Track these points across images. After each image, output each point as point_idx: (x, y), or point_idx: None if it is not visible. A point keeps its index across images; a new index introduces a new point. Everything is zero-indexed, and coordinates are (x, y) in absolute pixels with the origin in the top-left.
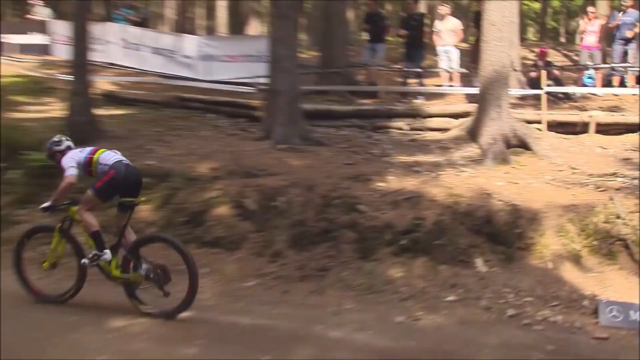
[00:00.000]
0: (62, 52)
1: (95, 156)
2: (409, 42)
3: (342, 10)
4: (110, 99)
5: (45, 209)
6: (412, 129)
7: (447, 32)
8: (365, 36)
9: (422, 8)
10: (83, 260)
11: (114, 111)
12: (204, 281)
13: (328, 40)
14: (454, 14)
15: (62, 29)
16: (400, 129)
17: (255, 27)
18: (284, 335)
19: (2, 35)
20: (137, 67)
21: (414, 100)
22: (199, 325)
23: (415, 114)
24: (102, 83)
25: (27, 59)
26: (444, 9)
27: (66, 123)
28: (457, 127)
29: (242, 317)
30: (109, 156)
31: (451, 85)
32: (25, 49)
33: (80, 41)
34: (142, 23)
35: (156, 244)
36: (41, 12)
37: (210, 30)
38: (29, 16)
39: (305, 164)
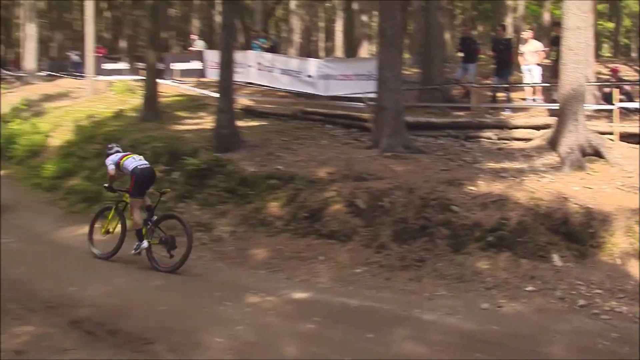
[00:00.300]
0: (213, 74)
1: (122, 161)
2: (498, 62)
3: (440, 34)
4: (249, 112)
5: (106, 189)
6: (499, 139)
7: (530, 53)
8: (459, 56)
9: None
10: (132, 252)
11: (251, 123)
12: (321, 267)
13: (427, 60)
14: (536, 37)
15: (213, 56)
16: (490, 138)
17: (366, 48)
18: (386, 317)
19: (170, 63)
20: (269, 86)
21: (502, 113)
22: (317, 305)
23: (503, 126)
24: (243, 99)
25: (186, 81)
26: (527, 34)
27: (214, 134)
28: (539, 137)
29: (351, 299)
30: (130, 163)
31: (534, 99)
32: (185, 73)
33: (226, 67)
34: (273, 49)
35: (172, 220)
36: (198, 44)
37: (329, 51)
38: (190, 48)
39: (407, 170)
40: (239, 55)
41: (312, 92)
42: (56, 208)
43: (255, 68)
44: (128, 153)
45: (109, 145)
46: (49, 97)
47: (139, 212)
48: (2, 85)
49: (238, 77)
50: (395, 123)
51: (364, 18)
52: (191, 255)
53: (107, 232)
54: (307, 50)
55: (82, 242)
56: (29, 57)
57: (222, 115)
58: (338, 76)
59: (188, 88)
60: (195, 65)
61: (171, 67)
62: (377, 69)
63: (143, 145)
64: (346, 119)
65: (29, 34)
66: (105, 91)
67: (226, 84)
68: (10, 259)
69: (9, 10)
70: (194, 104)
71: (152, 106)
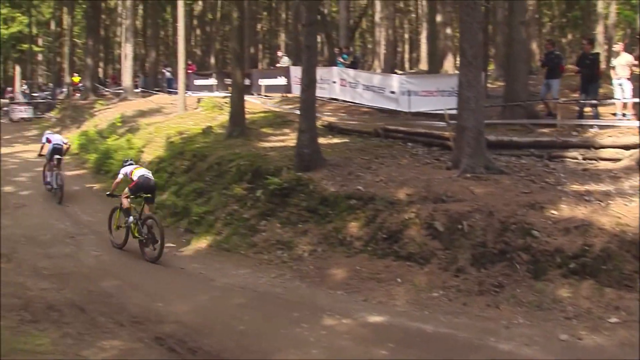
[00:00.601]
0: (298, 90)
1: (133, 171)
2: (584, 77)
3: (523, 49)
4: (331, 129)
5: (108, 195)
6: (585, 159)
7: (621, 67)
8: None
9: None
10: (123, 224)
11: (333, 140)
12: (398, 289)
13: (511, 76)
14: (629, 45)
15: (297, 72)
16: (575, 158)
17: (451, 61)
18: (461, 345)
19: (258, 79)
20: (353, 102)
21: (590, 130)
22: (392, 329)
23: (589, 145)
24: (326, 116)
25: (271, 97)
26: (618, 46)
27: (296, 153)
28: (628, 157)
29: (427, 324)
30: (139, 173)
31: (624, 114)
32: (270, 89)
33: (308, 87)
34: (355, 65)
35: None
36: (284, 61)
37: (414, 63)
38: (277, 65)
39: (487, 192)
40: (323, 71)
41: (395, 109)
42: None
43: (339, 84)
44: (139, 165)
45: (125, 159)
46: (143, 113)
47: (127, 200)
48: (100, 102)
49: (322, 93)
50: (475, 143)
51: (448, 31)
52: (272, 274)
53: (118, 227)
54: (392, 63)
55: (169, 257)
56: (126, 74)
57: (304, 135)
58: (421, 92)
59: (273, 105)
60: (281, 81)
61: (259, 83)
62: (458, 87)
63: (229, 163)
64: (427, 137)
65: (126, 52)
66: (196, 107)
67: (307, 105)
68: (102, 272)
69: (109, 29)
70: (279, 121)
71: (238, 123)
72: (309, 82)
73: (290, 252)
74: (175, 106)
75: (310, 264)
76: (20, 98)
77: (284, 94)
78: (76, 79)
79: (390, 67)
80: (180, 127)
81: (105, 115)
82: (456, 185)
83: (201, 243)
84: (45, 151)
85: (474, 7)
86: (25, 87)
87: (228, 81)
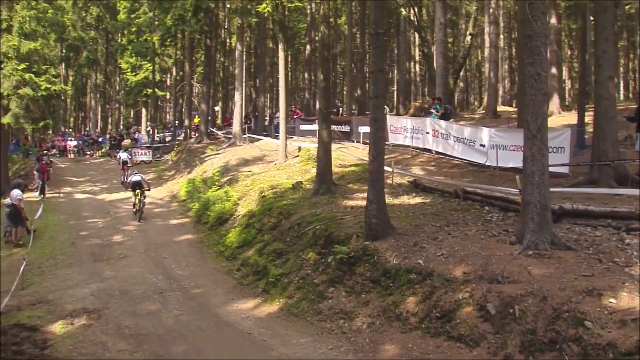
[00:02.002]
0: (393, 139)
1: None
2: None
3: (612, 106)
4: (416, 185)
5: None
6: None
7: None
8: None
9: None
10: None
11: (414, 199)
12: None
13: (599, 133)
14: None
15: (392, 121)
16: None
17: (555, 102)
18: None
19: (358, 126)
20: (444, 153)
21: None
22: None
23: None
24: (415, 169)
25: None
26: None
27: (365, 222)
28: None
29: None
30: (134, 177)
31: None
32: (365, 136)
33: (375, 158)
34: (445, 116)
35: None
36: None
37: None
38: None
39: (545, 273)
40: (417, 122)
41: (483, 162)
42: (230, 278)
43: (432, 135)
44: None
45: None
46: (245, 162)
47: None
48: (211, 147)
49: (416, 143)
50: (539, 218)
51: (553, 70)
52: (329, 345)
53: (134, 205)
54: (494, 107)
55: (242, 318)
56: (235, 121)
57: (372, 205)
58: (509, 147)
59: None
60: None
61: (359, 130)
62: (523, 161)
63: (307, 225)
64: (504, 202)
65: (235, 100)
66: (296, 154)
67: (376, 176)
68: (176, 335)
69: (227, 70)
70: (366, 176)
71: (324, 180)
72: (376, 154)
73: (351, 322)
74: (277, 153)
75: (367, 336)
76: (145, 138)
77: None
78: (196, 119)
79: (492, 110)
80: (273, 181)
81: (213, 161)
82: (514, 264)
83: (274, 305)
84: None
85: (537, 78)
86: (149, 128)
87: (332, 127)
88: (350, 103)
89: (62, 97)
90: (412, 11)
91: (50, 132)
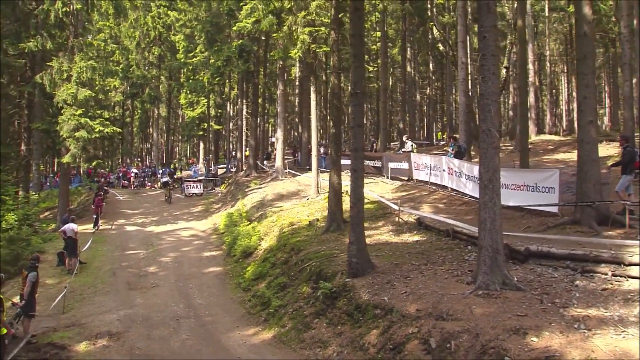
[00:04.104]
0: (417, 175)
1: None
2: None
3: (594, 150)
4: (420, 223)
5: (166, 201)
6: (614, 276)
7: None
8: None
9: None
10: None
11: (412, 237)
12: None
13: (581, 176)
14: None
15: (416, 158)
16: (605, 274)
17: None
18: None
19: (388, 162)
20: (458, 190)
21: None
22: None
23: (619, 261)
24: (425, 207)
25: (393, 181)
26: None
27: (347, 261)
28: None
29: None
30: (164, 179)
31: None
32: (395, 172)
33: (355, 204)
34: (461, 154)
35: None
36: (407, 145)
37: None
38: (403, 150)
39: (486, 312)
40: (435, 159)
41: None
42: (241, 308)
43: (447, 172)
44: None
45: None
46: (281, 197)
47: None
48: (255, 181)
49: (435, 180)
50: (491, 262)
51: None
52: None
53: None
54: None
55: (239, 344)
56: (278, 156)
57: (352, 246)
58: (510, 185)
59: (391, 190)
60: (405, 165)
61: (389, 166)
62: (478, 209)
63: (308, 262)
64: None
65: (277, 136)
66: (327, 190)
67: (356, 220)
68: (176, 356)
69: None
70: (379, 213)
71: (335, 218)
72: (356, 200)
73: (325, 350)
74: (310, 188)
75: None
76: (203, 170)
77: (407, 180)
78: (247, 153)
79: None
80: (295, 217)
81: (253, 196)
82: (462, 303)
83: (270, 333)
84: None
85: (489, 133)
86: (205, 160)
87: (365, 162)
88: (385, 138)
89: (118, 136)
90: (448, 47)
91: (106, 169)
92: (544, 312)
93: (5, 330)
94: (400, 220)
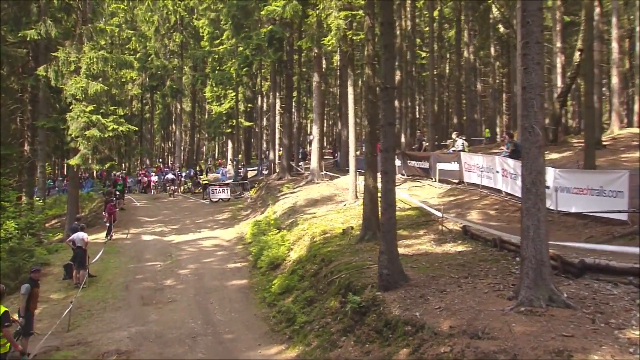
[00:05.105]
0: (468, 177)
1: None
2: None
3: None
4: (465, 232)
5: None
6: None
7: None
8: None
9: None
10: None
11: (455, 247)
12: None
13: None
14: None
15: (468, 159)
16: None
17: None
18: None
19: (436, 163)
20: (511, 193)
21: None
22: None
23: None
24: (473, 213)
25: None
26: None
27: (378, 273)
28: None
29: None
30: (169, 176)
31: None
32: (444, 174)
33: (385, 210)
34: (518, 153)
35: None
36: (458, 144)
37: None
38: (452, 149)
39: (527, 331)
40: (487, 160)
41: (548, 206)
42: (265, 325)
43: (501, 174)
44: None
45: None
46: (314, 202)
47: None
48: (287, 185)
49: (488, 182)
50: (534, 274)
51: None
52: None
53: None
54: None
55: None
56: (313, 156)
57: (383, 257)
58: (572, 189)
59: (437, 195)
60: (454, 166)
61: (437, 167)
62: (520, 216)
63: (336, 274)
64: None
65: (314, 135)
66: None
67: (387, 227)
68: None
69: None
70: (420, 220)
71: (370, 226)
72: (387, 206)
73: None
74: (347, 193)
75: None
76: (231, 172)
77: (457, 182)
78: (281, 153)
79: (595, 141)
80: (328, 225)
81: (284, 201)
82: (500, 321)
83: (294, 352)
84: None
85: (532, 131)
86: (234, 161)
87: (412, 163)
88: (433, 134)
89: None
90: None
91: (122, 171)
92: (594, 333)
93: (8, 347)
94: (443, 228)
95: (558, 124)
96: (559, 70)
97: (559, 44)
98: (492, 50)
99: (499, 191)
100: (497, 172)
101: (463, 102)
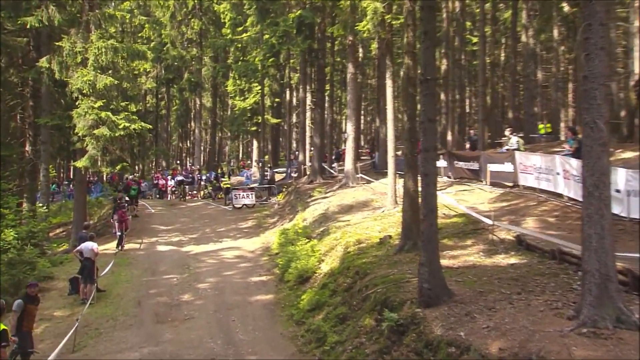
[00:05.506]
0: (524, 180)
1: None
2: None
3: None
4: (520, 242)
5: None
6: None
7: None
8: None
9: None
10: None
11: (507, 259)
12: None
13: None
14: None
15: (524, 159)
16: None
17: None
18: None
19: (486, 163)
20: (574, 198)
21: None
22: None
23: None
24: (528, 221)
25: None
26: None
27: (418, 287)
28: None
29: None
30: (179, 177)
31: None
32: (496, 176)
33: (426, 216)
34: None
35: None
36: (512, 142)
37: None
38: (506, 148)
39: (590, 356)
40: (546, 160)
41: (618, 213)
42: (292, 345)
43: (562, 176)
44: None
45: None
46: (349, 209)
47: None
48: (319, 189)
49: (546, 186)
50: (599, 291)
51: None
52: None
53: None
54: None
55: None
56: (348, 157)
57: (423, 269)
58: None
59: (490, 199)
60: (507, 167)
61: (488, 168)
62: (581, 223)
63: (371, 289)
64: None
65: (348, 132)
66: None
67: (428, 237)
68: None
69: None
70: (468, 229)
71: (410, 235)
72: (427, 212)
73: None
74: (384, 198)
75: None
76: (256, 175)
77: (511, 186)
78: (312, 153)
79: None
80: (363, 234)
81: (315, 207)
82: (558, 343)
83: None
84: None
85: (594, 126)
86: (260, 163)
87: (459, 164)
88: (483, 131)
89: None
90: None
91: (136, 174)
92: None
93: None
94: (494, 237)
95: (633, 117)
96: (636, 54)
97: (637, 23)
98: (555, 32)
99: (560, 195)
100: (558, 173)
101: (520, 93)
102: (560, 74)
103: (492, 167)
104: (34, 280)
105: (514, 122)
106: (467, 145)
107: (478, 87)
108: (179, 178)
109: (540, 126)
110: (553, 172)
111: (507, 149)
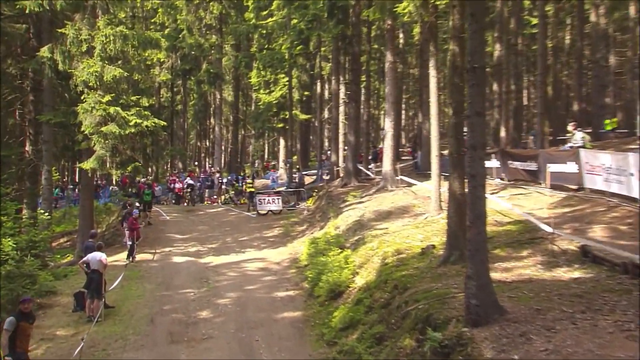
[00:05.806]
0: (591, 183)
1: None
2: None
3: None
4: (585, 254)
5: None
6: None
7: None
8: None
9: None
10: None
11: (570, 273)
12: None
13: None
14: None
15: (590, 158)
16: None
17: None
18: None
19: (546, 163)
20: None
21: None
22: None
23: None
24: (596, 229)
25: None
26: None
27: (464, 303)
28: None
29: None
30: (189, 181)
31: None
32: (557, 177)
33: (474, 222)
34: None
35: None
36: (577, 138)
37: None
38: (570, 145)
39: None
40: (617, 158)
41: None
42: None
43: (637, 177)
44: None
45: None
46: (387, 215)
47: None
48: (353, 193)
49: (618, 189)
50: None
51: None
52: None
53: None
54: None
55: None
56: (386, 157)
57: (470, 283)
58: None
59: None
60: (571, 167)
61: (548, 169)
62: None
63: (412, 305)
64: None
65: (387, 130)
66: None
67: (475, 246)
68: None
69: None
70: (524, 237)
71: (457, 245)
72: (474, 218)
73: None
74: (428, 204)
75: None
76: (283, 177)
77: (576, 189)
78: (345, 153)
79: None
80: (404, 243)
81: (349, 214)
82: None
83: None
84: None
85: None
86: (287, 164)
87: (514, 164)
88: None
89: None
90: None
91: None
92: None
93: None
94: (555, 248)
95: None
96: None
97: None
98: (632, 10)
99: (634, 200)
100: (632, 174)
101: (588, 82)
102: (637, 58)
103: (552, 168)
104: (34, 295)
105: (579, 115)
106: (531, 138)
107: (537, 76)
108: (189, 182)
109: (607, 121)
110: (626, 173)
111: (570, 147)
